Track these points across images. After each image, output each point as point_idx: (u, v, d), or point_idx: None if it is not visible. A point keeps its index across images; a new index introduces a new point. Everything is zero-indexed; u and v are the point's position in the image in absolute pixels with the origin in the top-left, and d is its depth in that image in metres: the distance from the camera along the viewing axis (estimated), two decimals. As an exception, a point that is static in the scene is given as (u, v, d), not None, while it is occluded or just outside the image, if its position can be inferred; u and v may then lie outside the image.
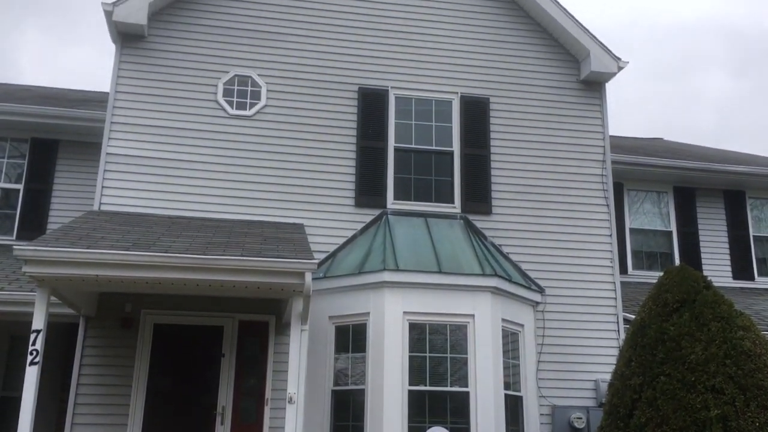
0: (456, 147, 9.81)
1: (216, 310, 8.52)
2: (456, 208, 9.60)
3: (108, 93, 13.59)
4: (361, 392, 8.17)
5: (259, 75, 9.61)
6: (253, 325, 8.67)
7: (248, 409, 8.39)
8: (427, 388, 8.08)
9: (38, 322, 6.59)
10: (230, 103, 9.44)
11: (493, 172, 9.82)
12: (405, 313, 8.23)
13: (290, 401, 6.69)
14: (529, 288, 9.19)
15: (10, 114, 10.80)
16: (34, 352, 6.50)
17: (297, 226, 8.86)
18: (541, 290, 9.37)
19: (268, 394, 8.36)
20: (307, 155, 9.47)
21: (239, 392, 8.42)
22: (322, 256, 8.91)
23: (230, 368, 8.42)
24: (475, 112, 9.97)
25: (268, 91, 9.57)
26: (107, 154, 9.02)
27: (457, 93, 10.02)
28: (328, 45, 9.90)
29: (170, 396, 8.27)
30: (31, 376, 6.47)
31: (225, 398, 8.30)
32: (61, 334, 9.08)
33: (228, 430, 8.21)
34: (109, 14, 9.06)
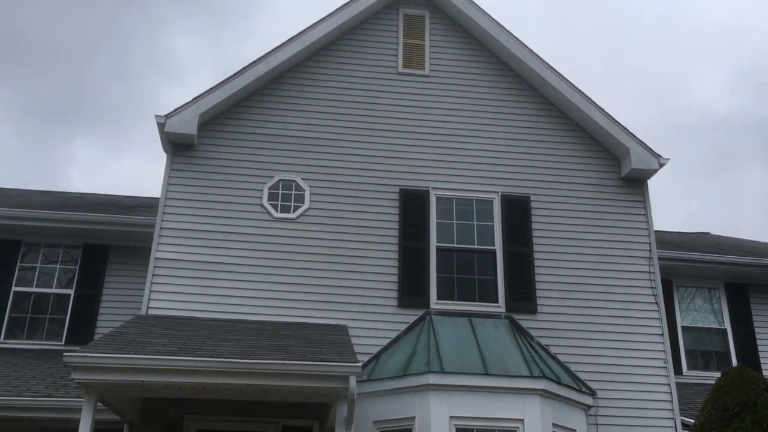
0: (498, 245, 9.80)
1: (259, 415, 8.40)
2: (500, 307, 9.48)
3: (157, 198, 14.14)
4: (408, 502, 7.84)
5: (302, 179, 9.87)
6: (296, 430, 8.51)
7: None
8: (477, 497, 7.72)
9: (84, 430, 6.56)
10: (275, 207, 9.68)
11: (537, 270, 9.75)
12: (452, 417, 8.00)
13: None
14: (579, 390, 8.88)
15: (65, 222, 11.25)
16: (78, 461, 6.43)
17: (340, 328, 8.83)
18: (592, 393, 9.05)
19: (311, 504, 8.09)
20: (349, 256, 9.56)
21: (281, 502, 8.17)
22: (366, 357, 8.82)
23: (272, 476, 8.22)
24: (517, 211, 10.02)
25: (311, 194, 9.80)
26: (156, 258, 9.24)
27: (498, 192, 10.12)
28: (370, 148, 10.18)
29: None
30: (75, 485, 6.37)
31: None
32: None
33: None
34: (161, 126, 9.52)
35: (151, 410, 8.33)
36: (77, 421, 7.73)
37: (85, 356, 6.58)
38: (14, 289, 11.11)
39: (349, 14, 10.57)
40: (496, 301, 9.52)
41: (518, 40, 10.67)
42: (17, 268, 11.23)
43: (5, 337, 10.83)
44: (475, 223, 9.95)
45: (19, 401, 8.36)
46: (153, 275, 9.17)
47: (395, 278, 9.49)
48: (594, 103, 10.45)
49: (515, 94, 10.83)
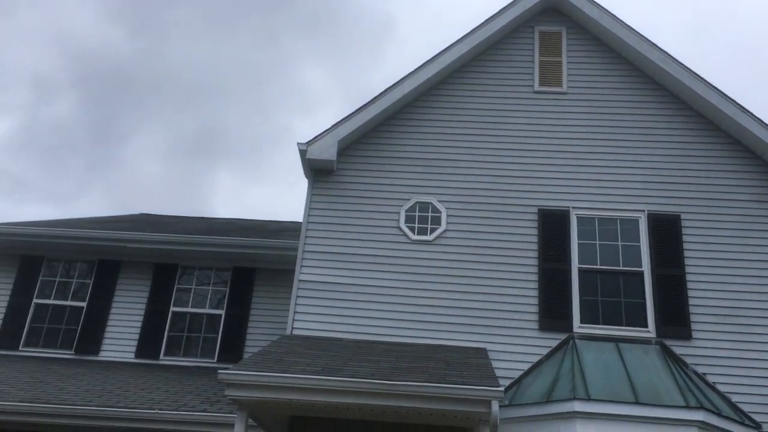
0: (646, 267, 9.31)
1: (400, 437, 8.42)
2: (650, 332, 8.97)
3: (298, 223, 14.73)
4: None
5: (438, 201, 9.90)
6: (437, 454, 8.43)
7: None
8: None
9: (236, 445, 6.86)
10: (412, 229, 9.76)
11: (690, 292, 9.15)
12: (600, 447, 7.64)
13: None
14: (742, 423, 8.19)
15: (217, 246, 11.94)
16: (232, 475, 6.72)
17: (480, 351, 8.71)
18: (757, 426, 8.32)
19: None
20: (488, 278, 9.44)
21: None
22: (507, 382, 8.63)
23: (415, 500, 8.17)
24: (666, 230, 9.48)
25: (447, 215, 9.80)
26: (299, 281, 9.57)
27: (644, 211, 9.64)
28: (506, 168, 10.05)
29: None
30: (228, 498, 6.66)
31: None
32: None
33: None
34: (303, 153, 9.91)
35: (297, 428, 8.57)
36: (229, 436, 8.16)
37: (237, 374, 6.90)
38: (172, 309, 11.90)
39: (484, 35, 10.56)
40: (645, 326, 9.02)
41: (664, 51, 10.18)
42: (175, 289, 12.03)
43: (164, 355, 11.61)
44: (619, 243, 9.52)
45: (177, 415, 8.87)
46: (297, 296, 9.50)
47: (535, 300, 9.25)
48: (750, 113, 9.74)
49: (660, 107, 10.32)
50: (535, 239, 9.60)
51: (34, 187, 59.06)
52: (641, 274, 9.31)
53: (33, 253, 12.26)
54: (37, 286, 12.11)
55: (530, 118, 10.37)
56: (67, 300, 12.09)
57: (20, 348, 11.70)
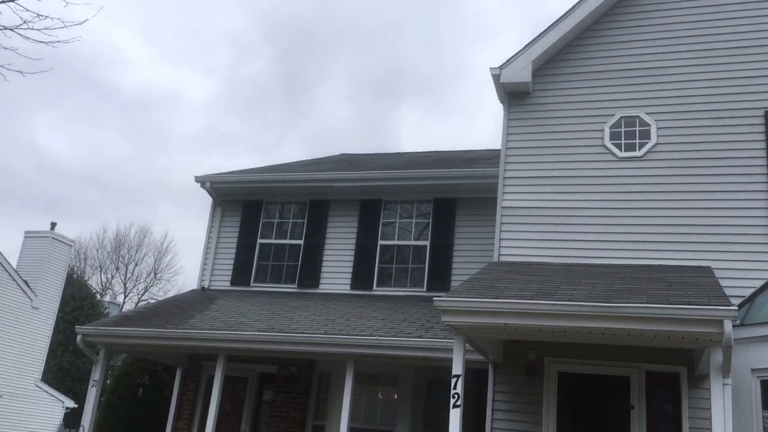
0: None
1: (620, 359, 8.22)
2: None
3: (492, 150, 14.58)
4: (802, 460, 7.03)
5: (646, 113, 9.25)
6: (661, 376, 8.15)
7: (663, 467, 7.84)
8: None
9: (457, 368, 7.09)
10: (618, 146, 9.25)
11: None
12: None
13: (718, 463, 6.05)
14: None
15: (417, 179, 12.21)
16: (456, 396, 6.98)
17: (703, 270, 8.16)
18: None
19: (685, 452, 7.72)
20: (706, 191, 8.75)
21: (652, 448, 7.93)
22: (736, 301, 8.01)
23: (640, 421, 8.00)
24: None
25: (657, 128, 9.15)
26: (503, 207, 9.51)
27: None
28: (724, 70, 9.11)
29: (579, 446, 8.16)
30: (455, 418, 6.95)
31: (637, 453, 7.89)
32: (471, 379, 9.69)
33: (643, 488, 7.76)
34: (496, 77, 9.69)
35: (512, 352, 8.69)
36: (443, 360, 8.48)
37: (452, 301, 7.08)
38: (380, 242, 12.44)
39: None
40: None
41: None
42: (380, 224, 12.54)
43: (376, 285, 12.22)
44: None
45: (395, 341, 9.37)
46: (501, 223, 9.46)
47: (766, 213, 8.43)
48: None
49: None
50: (762, 145, 8.68)
51: (240, 141, 64.03)
52: None
53: (253, 198, 13.36)
54: (259, 228, 13.23)
55: (753, 10, 9.23)
56: (285, 239, 13.10)
57: (251, 284, 12.92)
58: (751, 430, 7.47)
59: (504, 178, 9.67)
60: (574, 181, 9.29)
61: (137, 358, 13.36)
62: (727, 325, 6.15)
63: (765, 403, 7.52)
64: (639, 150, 9.14)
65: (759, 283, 8.20)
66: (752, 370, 7.62)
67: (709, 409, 6.97)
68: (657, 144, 9.08)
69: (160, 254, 42.39)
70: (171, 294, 38.73)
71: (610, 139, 9.31)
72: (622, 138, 9.27)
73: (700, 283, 7.43)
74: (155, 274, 42.14)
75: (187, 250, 56.87)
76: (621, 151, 9.21)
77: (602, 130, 9.38)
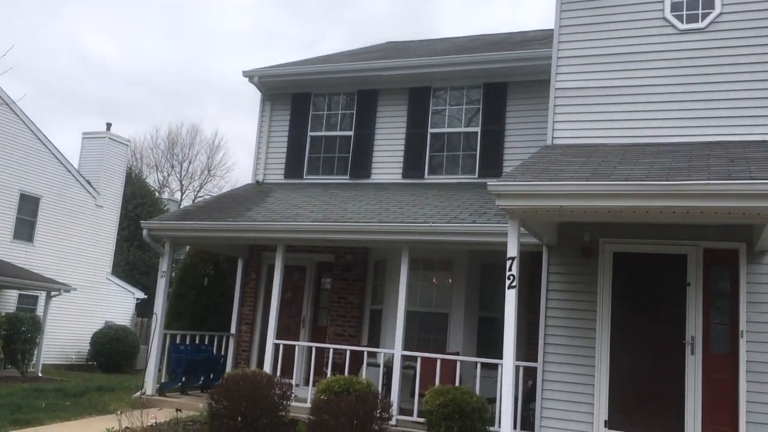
0: None
1: (676, 237, 8.18)
2: None
3: (542, 31, 14.06)
4: None
5: (710, -20, 8.71)
6: (719, 253, 8.11)
7: (719, 341, 7.94)
8: None
9: (512, 250, 7.18)
10: (679, 18, 8.79)
11: None
12: None
13: (776, 336, 6.10)
14: None
15: (466, 64, 11.94)
16: (511, 277, 7.11)
17: (766, 144, 7.90)
18: None
19: (742, 326, 7.78)
20: (773, 62, 8.33)
21: (708, 323, 8.01)
22: (801, 175, 7.79)
23: (697, 298, 8.05)
24: None
25: (722, -4, 8.63)
26: (556, 89, 9.27)
27: None
28: (797, -72, 8.42)
29: (635, 323, 8.30)
30: (511, 298, 7.11)
31: (693, 328, 7.99)
32: (523, 262, 9.84)
33: (698, 360, 7.91)
34: (548, -50, 9.19)
35: (566, 234, 8.73)
36: (497, 244, 8.60)
37: (507, 184, 7.08)
38: (430, 131, 12.36)
39: None
40: None
41: None
42: (430, 112, 12.41)
43: (428, 174, 12.26)
44: None
45: (450, 227, 9.51)
46: (554, 105, 9.25)
47: (837, 81, 8.02)
48: None
49: None
50: (836, 8, 8.13)
51: (283, 38, 63.06)
52: None
53: (301, 90, 13.32)
54: (309, 121, 13.26)
55: None
56: (335, 130, 13.12)
57: (304, 177, 13.11)
58: (810, 304, 7.46)
59: (558, 58, 9.36)
60: (631, 58, 8.93)
61: (200, 250, 13.91)
62: (791, 200, 6.03)
63: (826, 276, 7.46)
64: (702, 21, 8.68)
65: (826, 157, 7.92)
66: (814, 244, 7.52)
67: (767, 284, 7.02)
68: (721, 14, 8.60)
69: (212, 151, 43.13)
70: (226, 189, 39.74)
71: (671, 11, 8.84)
72: (684, 9, 8.79)
73: (763, 158, 7.23)
74: (209, 170, 43.06)
75: (237, 146, 57.70)
76: (682, 23, 8.76)
77: (662, 2, 8.90)
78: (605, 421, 8.15)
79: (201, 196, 40.88)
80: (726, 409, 7.74)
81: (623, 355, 8.23)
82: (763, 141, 8.02)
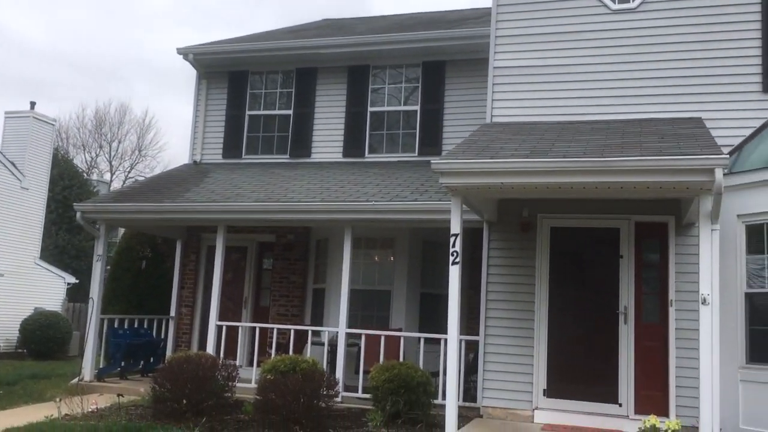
0: None
1: (610, 212, 8.50)
2: None
3: (478, 9, 14.21)
4: (783, 296, 7.51)
5: (640, -38, 8.99)
6: (650, 226, 8.47)
7: (651, 310, 8.34)
8: None
9: (456, 227, 7.32)
10: (612, -2, 9.06)
11: None
12: (835, 209, 7.22)
13: (704, 302, 6.45)
14: None
15: (405, 42, 11.98)
16: (455, 254, 7.26)
17: (695, 120, 8.27)
18: None
19: (671, 295, 8.18)
20: (699, 41, 8.70)
21: (640, 293, 8.39)
22: (725, 150, 8.16)
23: (629, 270, 8.41)
24: None
25: (651, -22, 8.92)
26: (494, 67, 9.43)
27: None
28: None
29: (571, 295, 8.62)
30: (455, 274, 7.26)
31: (626, 298, 8.36)
32: (464, 239, 10.00)
33: (631, 329, 8.29)
34: (486, -71, 9.28)
35: (506, 210, 8.95)
36: (439, 221, 8.77)
37: (450, 162, 7.19)
38: (369, 109, 12.37)
39: None
40: None
41: None
42: (369, 90, 12.41)
43: (368, 153, 12.29)
44: None
45: (392, 205, 9.57)
46: (493, 84, 9.42)
47: (758, 60, 8.45)
48: None
49: None
50: (757, -9, 8.53)
51: (211, 14, 61.51)
52: None
53: (238, 68, 13.09)
54: (247, 99, 13.06)
55: None
56: (274, 109, 12.99)
57: (243, 156, 12.95)
58: (735, 273, 7.90)
59: (496, 37, 9.51)
60: (567, 37, 9.16)
61: (137, 232, 13.60)
62: (718, 174, 6.35)
63: (749, 246, 7.90)
64: (633, 1, 8.97)
65: (747, 132, 8.36)
66: (738, 216, 7.94)
67: (695, 254, 7.40)
68: (651, -6, 8.90)
69: (143, 131, 41.88)
70: (158, 169, 38.76)
71: (604, -9, 9.09)
72: (616, -10, 9.05)
73: (691, 134, 7.56)
74: (140, 150, 41.84)
75: (170, 126, 56.17)
76: (615, 3, 9.03)
77: (596, -18, 9.14)
78: (544, 390, 8.46)
79: (132, 177, 39.75)
80: (657, 375, 8.15)
81: (561, 326, 8.55)
82: (690, 118, 8.38)
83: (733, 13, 8.61)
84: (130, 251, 13.68)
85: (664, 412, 7.81)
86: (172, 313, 12.64)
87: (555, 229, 8.81)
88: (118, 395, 9.14)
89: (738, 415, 7.72)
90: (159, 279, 13.32)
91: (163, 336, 12.39)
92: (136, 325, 12.00)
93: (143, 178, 27.56)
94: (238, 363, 10.28)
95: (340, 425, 7.98)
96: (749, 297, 7.83)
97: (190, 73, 13.34)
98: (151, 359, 11.86)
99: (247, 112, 13.02)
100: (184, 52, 13.02)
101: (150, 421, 8.04)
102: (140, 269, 13.44)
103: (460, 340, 8.47)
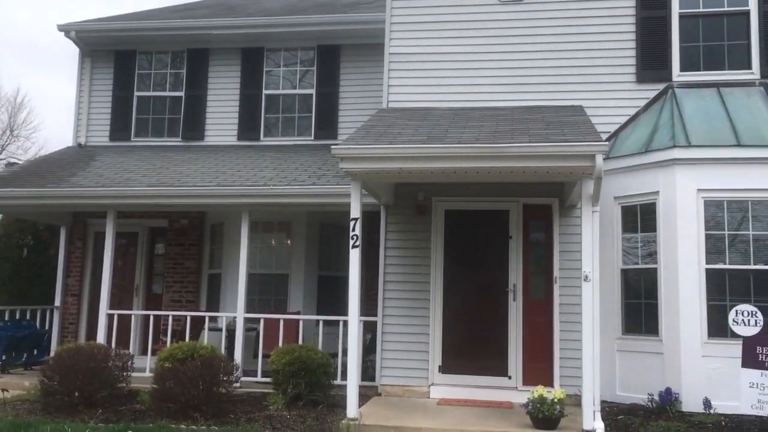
0: (753, 4, 8.84)
1: (500, 195, 8.90)
2: (754, 73, 8.79)
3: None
4: (652, 271, 8.18)
5: (527, -44, 9.40)
6: (536, 208, 8.96)
7: (537, 287, 8.84)
8: (727, 266, 7.82)
9: (355, 211, 7.45)
10: (501, -11, 9.42)
11: (800, 29, 8.72)
12: (699, 190, 7.93)
13: (586, 279, 6.92)
14: None
15: (298, 25, 11.91)
16: (355, 237, 7.40)
17: (576, 108, 8.79)
18: None
19: (555, 273, 8.71)
20: (581, 33, 9.24)
21: (528, 271, 8.88)
22: (603, 137, 8.72)
23: (518, 249, 8.87)
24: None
25: (538, -29, 9.34)
26: (390, 54, 9.59)
27: (753, -57, 8.90)
28: None
29: (465, 274, 8.99)
30: (355, 257, 7.40)
31: (515, 277, 8.82)
32: (362, 222, 10.16)
33: (519, 306, 8.76)
34: None
35: (402, 194, 9.18)
36: (338, 205, 8.87)
37: (350, 147, 7.30)
38: (265, 92, 12.26)
39: None
40: (749, 68, 8.82)
41: None
42: (264, 73, 12.29)
43: (264, 136, 12.20)
44: (724, -17, 8.98)
45: (290, 189, 9.58)
46: (389, 70, 9.59)
47: (633, 52, 9.08)
48: None
49: None
50: (632, -12, 9.14)
51: (91, -17, 58.22)
52: (747, 13, 8.89)
53: (125, 47, 12.58)
54: (135, 80, 12.59)
55: None
56: (165, 91, 12.60)
57: (132, 139, 12.50)
58: (612, 251, 8.51)
59: (391, 23, 9.67)
60: (460, 26, 9.46)
61: (16, 219, 12.86)
62: (599, 159, 6.82)
63: (624, 226, 8.53)
64: (520, -7, 9.37)
65: (623, 120, 8.99)
66: (615, 197, 8.56)
67: (577, 234, 7.91)
68: (537, -13, 9.34)
69: (15, 110, 39.21)
70: (33, 150, 36.45)
71: (494, -17, 9.44)
72: (505, -19, 9.42)
73: (574, 121, 8.04)
74: (11, 131, 39.18)
75: (47, 105, 52.82)
76: (504, -6, 9.41)
77: (485, -27, 9.47)
78: (439, 366, 8.81)
79: (3, 159, 37.19)
80: (543, 348, 8.67)
81: (455, 305, 8.91)
82: (573, 106, 8.90)
83: (610, 7, 9.20)
84: (9, 239, 12.93)
85: (550, 383, 8.31)
86: (57, 302, 12.10)
87: (449, 211, 9.13)
88: (2, 390, 8.71)
89: (615, 382, 8.36)
90: (42, 267, 12.69)
91: (47, 327, 11.84)
92: (18, 317, 11.40)
93: (22, 162, 25.90)
94: (131, 352, 10.01)
95: (241, 410, 7.98)
96: (624, 273, 8.49)
97: (69, 50, 12.69)
98: (35, 352, 11.31)
99: (136, 93, 12.57)
100: (66, 29, 12.36)
101: (39, 416, 7.73)
102: (21, 257, 12.74)
103: (360, 321, 8.66)
